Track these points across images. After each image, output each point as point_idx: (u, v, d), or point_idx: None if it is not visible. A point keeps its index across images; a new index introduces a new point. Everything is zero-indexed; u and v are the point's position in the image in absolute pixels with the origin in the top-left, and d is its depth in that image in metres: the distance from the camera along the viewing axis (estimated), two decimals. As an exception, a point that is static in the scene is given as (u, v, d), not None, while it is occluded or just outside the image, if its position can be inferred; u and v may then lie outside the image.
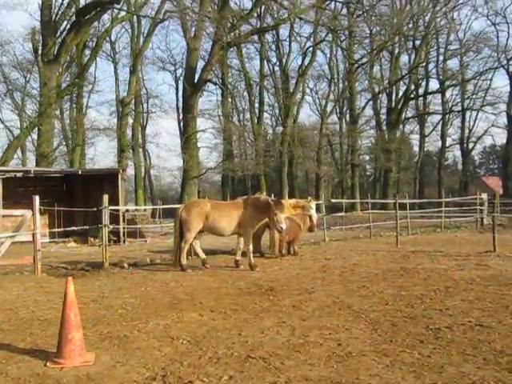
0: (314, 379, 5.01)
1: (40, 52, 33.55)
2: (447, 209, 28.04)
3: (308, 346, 6.11)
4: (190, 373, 5.31)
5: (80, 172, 22.17)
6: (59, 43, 31.99)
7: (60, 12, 33.23)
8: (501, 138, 64.41)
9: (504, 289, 9.39)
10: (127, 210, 22.78)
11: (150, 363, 5.65)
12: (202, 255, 13.37)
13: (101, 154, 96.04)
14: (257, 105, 54.28)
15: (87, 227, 17.75)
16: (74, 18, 32.06)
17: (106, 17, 39.92)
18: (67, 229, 18.23)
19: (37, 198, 12.57)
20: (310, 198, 17.28)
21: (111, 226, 15.96)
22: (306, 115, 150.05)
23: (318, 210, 18.09)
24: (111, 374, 5.34)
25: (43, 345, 6.43)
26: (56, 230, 19.60)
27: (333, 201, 18.60)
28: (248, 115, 56.54)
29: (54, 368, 5.55)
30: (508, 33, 56.53)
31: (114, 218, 20.34)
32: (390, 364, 5.39)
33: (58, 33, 33.34)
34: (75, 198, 23.40)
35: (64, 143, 47.07)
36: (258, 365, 5.48)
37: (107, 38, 46.38)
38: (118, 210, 20.00)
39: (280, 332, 6.77)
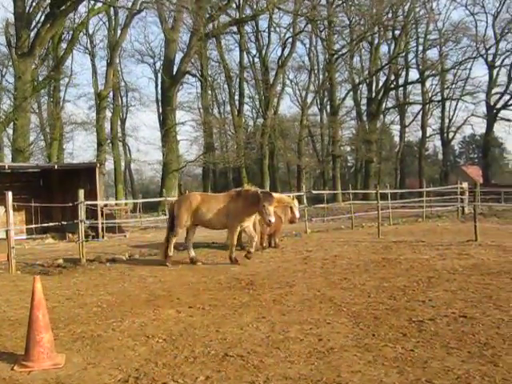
0: (294, 377, 4.81)
1: (14, 45, 32.80)
2: (428, 198, 28.05)
3: (288, 342, 5.91)
4: (165, 374, 5.08)
5: (56, 167, 21.70)
6: (34, 36, 31.30)
7: (34, 3, 32.45)
8: (480, 127, 64.79)
9: (487, 278, 9.29)
10: (106, 205, 22.37)
11: (123, 364, 5.41)
12: (192, 253, 13.06)
13: (80, 149, 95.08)
14: (237, 97, 53.90)
15: (65, 223, 17.36)
16: (48, 10, 31.33)
17: (82, 9, 39.34)
18: (44, 225, 17.85)
19: (9, 194, 12.22)
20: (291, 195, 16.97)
21: (88, 222, 15.63)
22: (287, 107, 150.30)
23: (299, 201, 17.88)
24: (82, 377, 5.09)
25: (12, 347, 6.13)
26: (33, 226, 19.18)
27: (314, 192, 18.42)
28: (228, 107, 56.23)
29: (22, 372, 5.28)
30: (486, 22, 56.93)
31: (93, 213, 20.01)
32: (372, 359, 5.21)
33: (33, 25, 32.61)
34: (52, 193, 22.91)
35: (42, 138, 46.34)
36: (235, 363, 5.27)
37: (84, 31, 45.69)
38: (96, 205, 19.64)
39: (259, 328, 6.56)
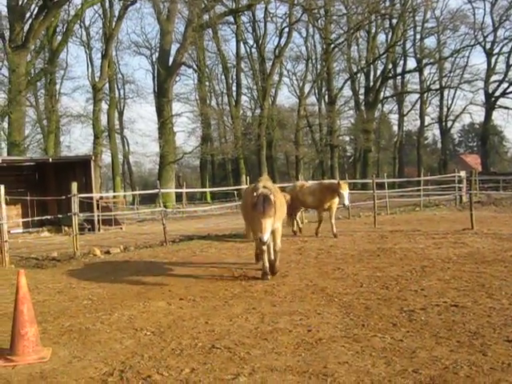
0: (280, 369, 4.74)
1: (7, 38, 32.58)
2: (426, 187, 27.94)
3: (276, 333, 5.85)
4: (150, 366, 5.02)
5: (50, 160, 21.59)
6: (27, 28, 31.10)
7: (27, -5, 32.29)
8: (479, 115, 64.48)
9: (480, 267, 9.23)
10: (101, 198, 22.29)
11: (110, 357, 5.36)
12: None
13: (77, 142, 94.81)
14: (234, 88, 53.77)
15: (60, 216, 17.29)
16: (41, 2, 31.11)
17: (77, 0, 39.14)
18: (41, 218, 17.80)
19: (1, 188, 12.14)
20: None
21: (81, 215, 15.57)
22: (285, 97, 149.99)
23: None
24: (66, 371, 5.03)
25: (-2, 341, 6.08)
26: (29, 219, 19.11)
27: (310, 182, 18.27)
28: (226, 98, 56.06)
29: (6, 366, 5.22)
30: (484, 10, 56.63)
31: (89, 206, 19.94)
32: (360, 350, 5.15)
33: (26, 17, 32.38)
34: (48, 186, 22.83)
35: (40, 131, 46.16)
36: (222, 355, 5.21)
37: (81, 24, 45.54)
38: (91, 198, 19.58)
39: (249, 319, 6.50)
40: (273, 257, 9.53)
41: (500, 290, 7.34)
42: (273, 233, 9.18)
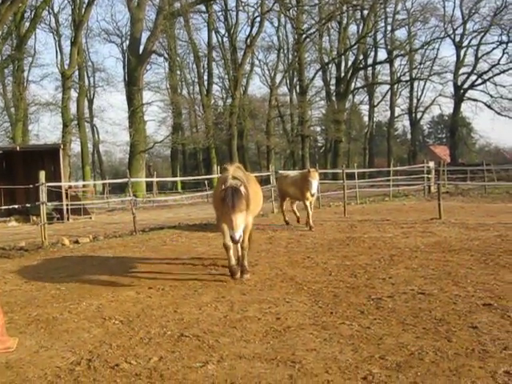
0: (248, 357, 4.76)
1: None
2: (395, 177, 28.23)
3: (245, 321, 5.87)
4: (118, 355, 4.99)
5: (18, 148, 21.22)
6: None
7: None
8: (448, 107, 65.44)
9: (447, 255, 9.38)
10: (70, 187, 22.01)
11: (77, 346, 5.31)
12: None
13: (46, 130, 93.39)
14: (206, 77, 53.44)
15: (28, 205, 17.02)
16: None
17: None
18: (7, 207, 17.48)
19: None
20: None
21: (50, 204, 15.35)
22: (256, 87, 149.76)
23: (268, 181, 17.86)
24: (33, 361, 4.97)
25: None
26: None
27: (280, 172, 18.28)
28: (197, 88, 55.74)
29: (-29, 357, 5.14)
30: (454, 3, 58.07)
31: (58, 195, 19.68)
32: (328, 337, 5.19)
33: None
34: (16, 175, 22.45)
35: (8, 119, 45.27)
36: (190, 344, 5.20)
37: (49, 10, 44.67)
38: (60, 187, 19.31)
39: (218, 308, 6.51)
40: (240, 253, 8.75)
41: (466, 278, 7.47)
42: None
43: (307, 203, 14.69)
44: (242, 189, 7.66)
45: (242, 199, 7.56)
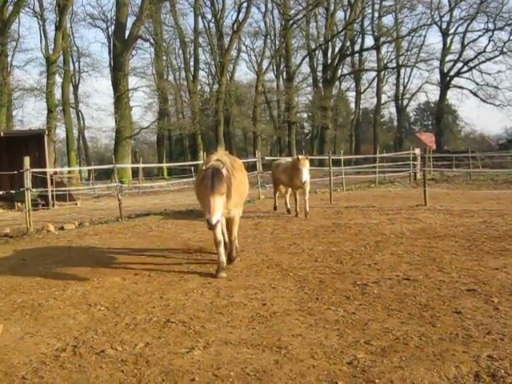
0: (234, 342, 4.77)
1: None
2: (382, 164, 28.30)
3: (231, 307, 5.88)
4: (104, 341, 4.98)
5: (2, 134, 20.96)
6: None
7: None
8: (434, 94, 65.72)
9: (432, 242, 9.44)
10: (55, 173, 21.84)
11: (63, 333, 5.29)
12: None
13: (30, 116, 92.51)
14: (192, 63, 53.13)
15: (13, 192, 16.87)
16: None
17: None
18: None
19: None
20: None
21: (34, 190, 15.23)
22: (243, 73, 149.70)
23: (255, 167, 17.81)
24: (18, 347, 4.95)
25: None
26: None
27: (267, 158, 18.26)
28: (183, 73, 55.41)
29: (-45, 343, 5.10)
30: (441, -11, 57.10)
31: (43, 182, 19.51)
32: (313, 323, 5.21)
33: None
34: (0, 161, 22.22)
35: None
36: (176, 329, 5.20)
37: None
38: (45, 173, 19.15)
39: (204, 294, 6.51)
40: (228, 246, 8.32)
41: (450, 264, 7.52)
42: (228, 221, 8.12)
43: (297, 192, 14.48)
44: (224, 171, 7.10)
45: (222, 181, 6.96)
